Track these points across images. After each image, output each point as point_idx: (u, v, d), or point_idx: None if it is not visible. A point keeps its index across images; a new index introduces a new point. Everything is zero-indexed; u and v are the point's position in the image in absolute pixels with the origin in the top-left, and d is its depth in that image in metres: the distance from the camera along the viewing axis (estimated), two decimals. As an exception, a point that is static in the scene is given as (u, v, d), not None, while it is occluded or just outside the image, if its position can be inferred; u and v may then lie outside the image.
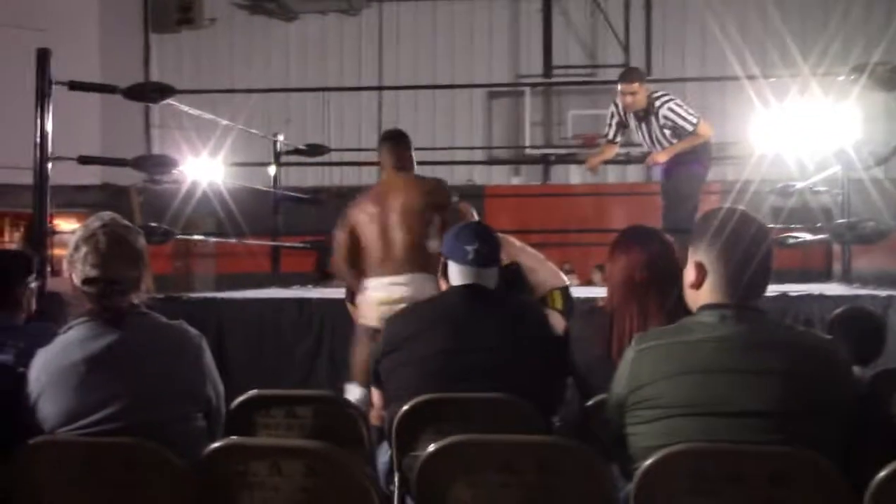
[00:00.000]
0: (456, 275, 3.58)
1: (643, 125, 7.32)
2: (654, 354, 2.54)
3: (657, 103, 7.24)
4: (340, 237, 5.15)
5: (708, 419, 2.41)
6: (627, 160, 14.54)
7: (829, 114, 7.35)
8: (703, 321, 2.54)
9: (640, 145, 9.51)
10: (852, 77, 6.48)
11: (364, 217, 5.09)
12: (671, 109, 7.22)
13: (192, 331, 2.96)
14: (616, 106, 7.51)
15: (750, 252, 2.53)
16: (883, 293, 5.90)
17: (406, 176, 5.23)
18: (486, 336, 3.37)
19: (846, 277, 8.35)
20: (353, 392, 4.87)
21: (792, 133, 7.98)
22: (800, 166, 8.16)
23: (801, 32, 14.70)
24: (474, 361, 3.32)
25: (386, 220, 5.04)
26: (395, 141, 5.36)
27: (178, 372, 2.86)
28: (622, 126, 7.54)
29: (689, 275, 2.62)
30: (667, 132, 7.26)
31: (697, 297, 2.61)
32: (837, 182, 8.01)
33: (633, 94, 7.25)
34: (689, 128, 7.21)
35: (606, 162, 8.31)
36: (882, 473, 2.25)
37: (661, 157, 7.25)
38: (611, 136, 7.66)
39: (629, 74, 7.48)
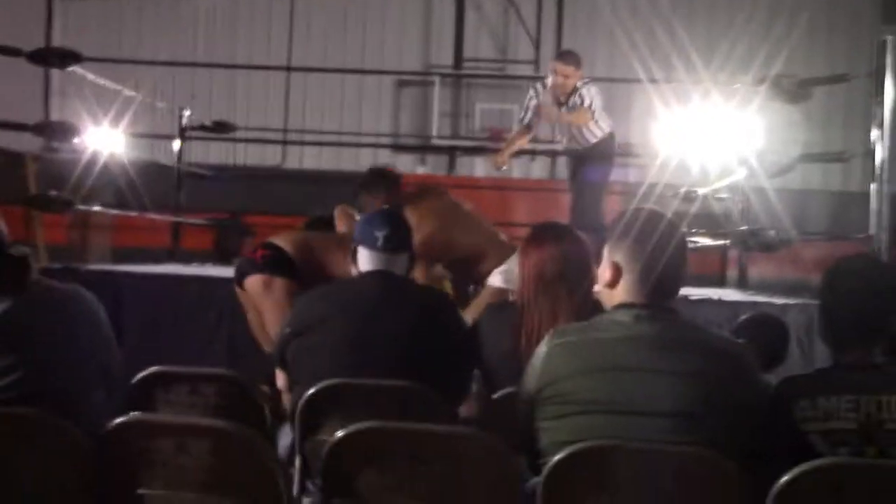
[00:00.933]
0: (365, 260, 3.56)
1: (561, 110, 7.27)
2: (568, 350, 2.54)
3: (580, 84, 7.23)
4: None
5: (619, 417, 2.42)
6: (532, 155, 14.68)
7: (732, 121, 7.47)
8: (618, 320, 2.55)
9: (546, 141, 9.53)
10: (756, 86, 6.62)
11: None
12: (595, 92, 7.21)
13: (88, 294, 2.88)
14: (535, 91, 7.48)
15: (661, 252, 2.54)
16: (779, 301, 6.03)
17: None
18: (396, 324, 3.36)
19: (741, 284, 8.53)
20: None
21: (695, 138, 8.09)
22: (702, 172, 8.28)
23: (704, 37, 14.95)
24: (382, 349, 3.31)
25: None
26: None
27: (75, 337, 2.78)
28: (537, 114, 7.46)
29: (605, 274, 2.62)
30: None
31: (612, 297, 2.62)
32: (739, 189, 8.16)
33: (566, 76, 7.19)
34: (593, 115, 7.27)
35: (513, 155, 8.29)
36: (784, 478, 2.28)
37: (580, 118, 7.23)
38: (526, 120, 7.57)
39: (568, 56, 7.45)
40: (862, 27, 14.05)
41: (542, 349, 2.60)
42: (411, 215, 4.77)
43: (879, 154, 5.92)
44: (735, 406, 2.45)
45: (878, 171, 5.90)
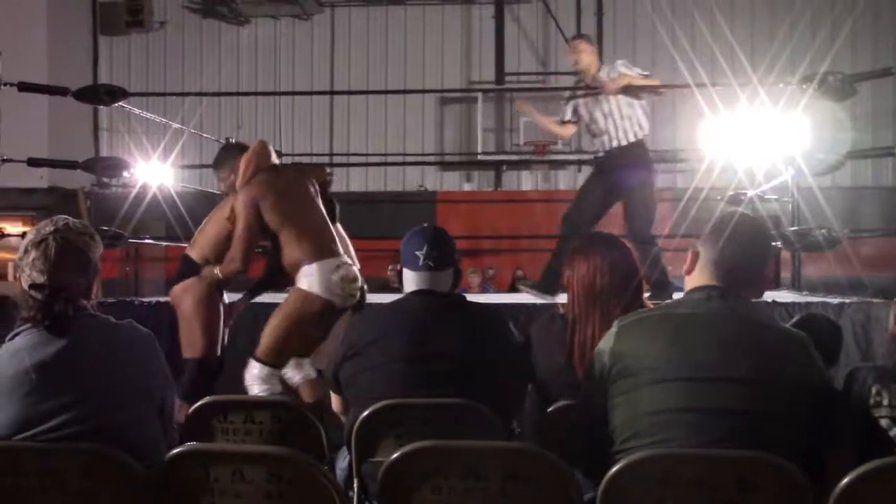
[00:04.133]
0: (410, 281, 3.57)
1: (596, 101, 7.08)
2: (638, 326, 2.68)
3: (608, 67, 7.13)
4: None
5: (690, 385, 2.52)
6: (580, 166, 14.67)
7: (778, 122, 7.41)
8: (692, 298, 2.70)
9: (592, 152, 9.44)
10: (803, 86, 6.55)
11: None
12: (623, 65, 7.11)
13: (142, 329, 2.91)
14: (573, 95, 7.41)
15: (737, 243, 2.70)
16: (834, 300, 5.97)
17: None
18: (448, 342, 3.36)
19: (795, 285, 8.44)
20: (253, 369, 4.82)
21: (741, 141, 8.03)
22: (749, 174, 8.22)
23: (748, 41, 14.87)
24: (436, 367, 3.31)
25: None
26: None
27: (131, 371, 2.81)
28: (576, 111, 7.34)
29: (687, 262, 2.79)
30: (622, 101, 7.01)
31: (689, 283, 2.77)
32: (787, 190, 8.09)
33: (579, 52, 7.08)
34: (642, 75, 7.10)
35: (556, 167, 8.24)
36: (845, 480, 2.27)
37: (614, 85, 6.93)
38: (567, 116, 7.35)
39: (580, 34, 7.43)
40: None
41: (610, 332, 2.72)
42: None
43: (929, 147, 5.84)
44: (799, 384, 2.54)
45: (928, 165, 5.82)
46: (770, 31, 15.12)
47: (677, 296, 3.01)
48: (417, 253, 3.54)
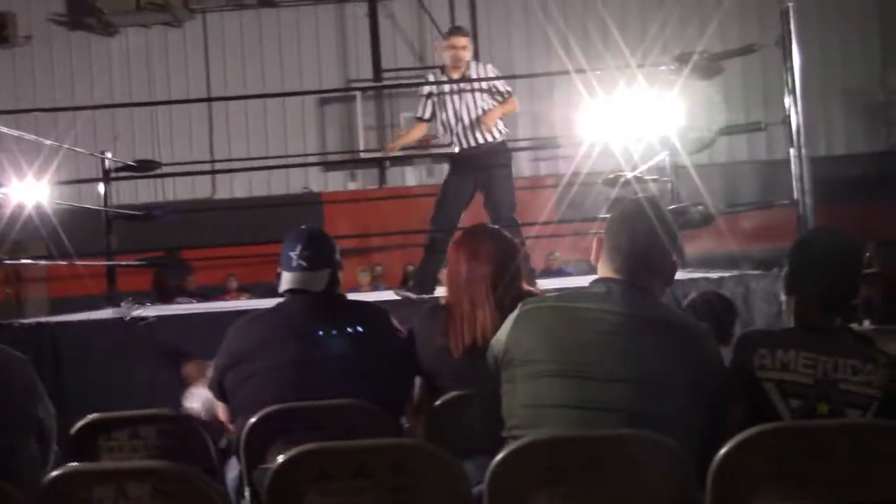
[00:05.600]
0: (284, 281, 3.56)
1: (458, 96, 7.08)
2: (538, 315, 2.67)
3: (475, 63, 7.13)
4: None
5: (580, 382, 2.52)
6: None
7: (653, 104, 7.53)
8: (592, 291, 2.68)
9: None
10: (674, 67, 6.68)
11: None
12: (492, 71, 7.11)
13: (16, 354, 2.84)
14: (430, 81, 7.40)
15: (638, 231, 2.69)
16: (714, 275, 6.10)
17: None
18: (331, 343, 3.35)
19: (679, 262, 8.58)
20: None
21: (618, 124, 8.15)
22: (627, 156, 8.34)
23: (622, 26, 15.09)
24: (321, 369, 3.29)
25: None
26: None
27: (7, 398, 2.74)
28: (434, 104, 7.24)
29: (592, 251, 2.79)
30: (486, 96, 7.05)
31: (599, 271, 2.76)
32: (664, 170, 8.24)
33: (464, 48, 7.07)
34: (504, 95, 7.10)
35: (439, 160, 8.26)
36: (722, 450, 2.33)
37: (492, 118, 6.96)
38: (426, 115, 7.32)
39: (460, 28, 7.40)
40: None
41: (509, 318, 2.73)
42: None
43: (794, 120, 6.01)
44: (693, 380, 2.55)
45: (794, 137, 5.99)
46: (643, 14, 15.37)
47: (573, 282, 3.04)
48: (291, 253, 3.53)
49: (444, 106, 7.10)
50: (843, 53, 15.86)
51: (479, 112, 7.01)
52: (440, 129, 7.25)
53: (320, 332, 3.39)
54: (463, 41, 7.12)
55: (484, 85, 7.04)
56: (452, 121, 7.07)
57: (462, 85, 7.03)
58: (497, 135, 7.05)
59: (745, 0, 15.14)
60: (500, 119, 7.08)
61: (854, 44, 15.98)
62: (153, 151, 14.52)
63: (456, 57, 7.09)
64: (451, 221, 6.84)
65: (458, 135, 7.07)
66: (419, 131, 7.59)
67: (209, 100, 15.87)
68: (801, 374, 2.58)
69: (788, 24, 6.02)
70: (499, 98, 7.08)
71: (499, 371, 2.70)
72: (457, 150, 7.14)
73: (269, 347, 3.38)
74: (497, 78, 7.13)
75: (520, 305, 2.73)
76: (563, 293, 2.74)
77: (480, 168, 7.02)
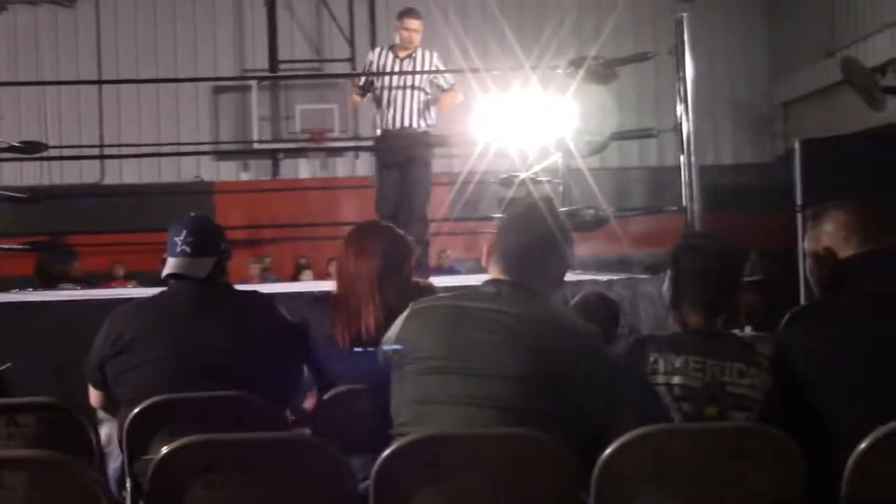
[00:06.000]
0: (167, 267, 3.51)
1: (399, 78, 7.25)
2: (428, 314, 2.70)
3: (423, 50, 7.31)
4: None
5: (468, 379, 2.55)
6: (357, 152, 14.64)
7: (548, 106, 7.60)
8: (482, 291, 2.72)
9: (369, 138, 9.46)
10: (569, 70, 6.76)
11: None
12: (438, 60, 7.33)
13: None
14: (375, 55, 7.49)
15: (523, 234, 2.74)
16: (603, 278, 6.19)
17: None
18: (216, 333, 3.31)
19: (568, 263, 8.67)
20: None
21: (513, 125, 8.21)
22: (522, 157, 8.41)
23: (519, 27, 15.21)
24: (206, 360, 3.26)
25: None
26: None
27: None
28: (371, 82, 7.43)
29: (483, 254, 2.81)
30: (425, 82, 7.27)
31: (489, 272, 2.79)
32: (558, 172, 8.32)
33: (416, 31, 7.28)
34: (444, 87, 7.34)
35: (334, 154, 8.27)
36: (608, 450, 2.37)
37: (446, 102, 7.33)
38: (363, 85, 7.56)
39: (413, 10, 7.51)
40: (664, 7, 14.44)
41: (404, 313, 2.75)
42: None
43: (685, 128, 6.12)
44: (579, 380, 2.60)
45: (684, 145, 6.10)
46: (540, 17, 15.50)
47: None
48: (176, 239, 3.49)
49: (382, 84, 7.18)
50: (732, 65, 16.24)
51: (416, 97, 7.21)
52: (374, 104, 7.43)
53: (202, 321, 3.35)
54: (416, 24, 7.34)
55: (426, 72, 7.25)
56: (385, 99, 7.24)
57: (404, 66, 7.26)
58: (423, 124, 7.18)
59: (640, 8, 15.39)
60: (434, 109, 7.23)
61: (742, 56, 16.36)
62: (40, 133, 14.16)
63: (408, 38, 7.31)
64: (389, 214, 6.91)
65: (386, 115, 7.24)
66: (355, 98, 7.76)
67: (100, 82, 15.55)
68: (690, 377, 2.63)
69: (682, 33, 6.12)
70: (438, 89, 7.31)
71: (389, 369, 2.71)
72: (379, 132, 7.36)
73: (151, 337, 3.33)
74: (431, 72, 7.34)
75: (411, 304, 2.75)
76: (455, 293, 2.76)
77: (402, 155, 7.21)
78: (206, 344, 3.29)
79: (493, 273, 2.75)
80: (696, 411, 2.61)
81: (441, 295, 2.83)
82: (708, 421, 2.60)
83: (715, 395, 2.61)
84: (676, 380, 2.63)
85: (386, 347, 2.76)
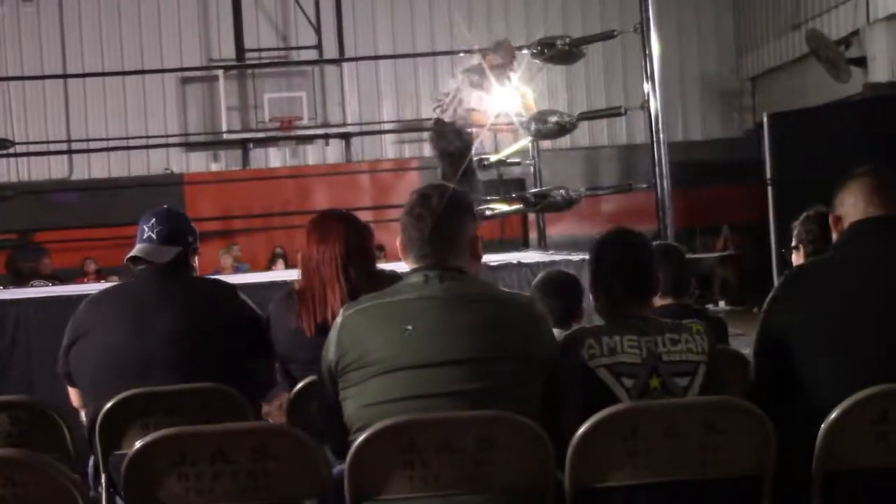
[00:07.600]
0: (133, 252, 3.51)
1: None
2: (363, 316, 2.64)
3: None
4: None
5: (415, 371, 2.52)
6: (326, 139, 14.62)
7: (518, 88, 7.61)
8: (410, 283, 2.67)
9: (338, 125, 9.53)
10: (536, 51, 6.76)
11: None
12: None
13: None
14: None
15: (435, 219, 2.67)
16: (576, 257, 6.19)
17: None
18: (174, 323, 3.30)
19: (542, 244, 8.72)
20: None
21: (483, 106, 8.20)
22: (493, 140, 8.43)
23: (485, 10, 15.22)
24: (162, 350, 3.25)
25: None
26: None
27: None
28: None
29: (399, 247, 2.75)
30: None
31: (407, 265, 2.75)
32: (528, 154, 8.34)
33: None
34: None
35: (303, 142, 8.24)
36: (579, 432, 2.40)
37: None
38: None
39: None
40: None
41: (337, 321, 2.68)
42: None
43: (653, 105, 6.14)
44: (526, 350, 2.60)
45: (653, 122, 6.12)
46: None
47: None
48: (144, 226, 3.51)
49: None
50: (700, 41, 16.29)
51: None
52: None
53: (156, 308, 3.34)
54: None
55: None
56: None
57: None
58: None
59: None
60: None
61: (710, 32, 16.42)
62: (6, 129, 14.05)
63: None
64: None
65: None
66: None
67: (65, 76, 15.39)
68: (628, 354, 2.67)
69: (647, 10, 6.14)
70: None
71: (334, 381, 2.65)
72: None
73: (104, 325, 3.33)
74: None
75: (341, 311, 2.70)
76: (381, 292, 2.70)
77: None
78: (157, 330, 3.27)
79: (410, 263, 2.72)
80: (640, 385, 2.65)
81: (370, 295, 2.71)
82: (653, 393, 2.64)
83: (655, 367, 2.66)
84: (616, 359, 2.67)
85: (327, 360, 2.68)
